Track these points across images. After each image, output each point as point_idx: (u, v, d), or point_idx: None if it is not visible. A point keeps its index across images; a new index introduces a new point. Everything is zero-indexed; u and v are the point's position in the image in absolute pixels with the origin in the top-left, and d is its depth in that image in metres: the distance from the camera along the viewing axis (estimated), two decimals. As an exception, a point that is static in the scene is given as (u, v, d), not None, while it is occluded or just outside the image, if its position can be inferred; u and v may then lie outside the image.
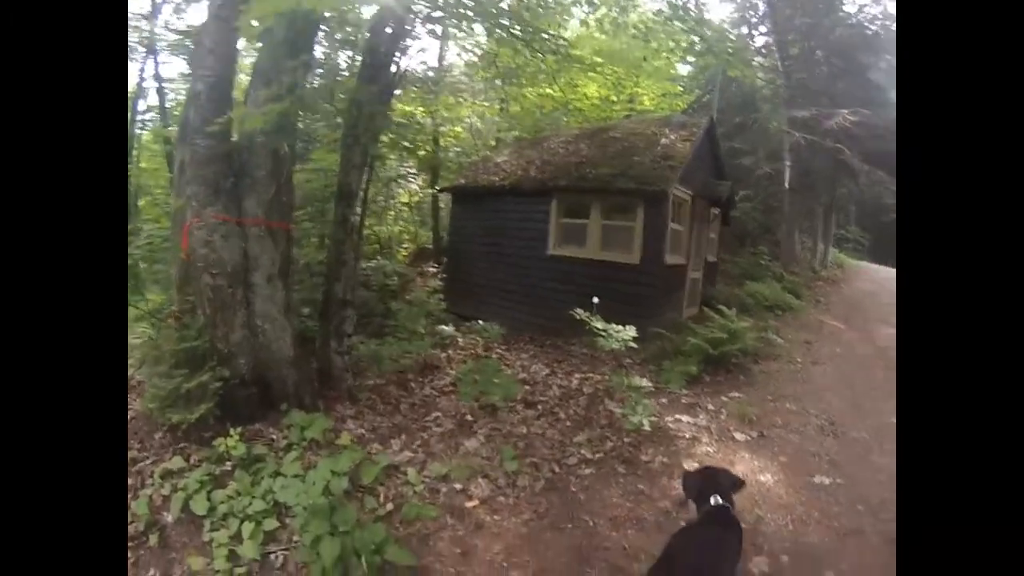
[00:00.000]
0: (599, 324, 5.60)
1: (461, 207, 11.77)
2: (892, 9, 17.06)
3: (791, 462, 4.96)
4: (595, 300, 5.88)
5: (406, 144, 16.73)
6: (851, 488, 4.53)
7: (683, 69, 21.59)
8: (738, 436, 5.42)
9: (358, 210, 5.79)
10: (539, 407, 5.85)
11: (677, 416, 5.79)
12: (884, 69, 17.14)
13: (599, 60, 10.39)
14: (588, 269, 8.84)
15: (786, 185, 16.61)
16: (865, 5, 17.98)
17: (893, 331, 10.96)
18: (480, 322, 8.86)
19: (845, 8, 17.83)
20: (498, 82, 14.40)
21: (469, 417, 5.47)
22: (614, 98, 13.20)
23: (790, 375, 7.69)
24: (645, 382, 5.77)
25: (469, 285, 10.87)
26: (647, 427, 4.90)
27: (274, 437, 4.51)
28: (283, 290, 4.86)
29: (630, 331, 5.55)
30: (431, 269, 14.02)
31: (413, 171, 18.43)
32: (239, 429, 4.28)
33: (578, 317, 5.70)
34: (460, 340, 8.41)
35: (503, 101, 16.55)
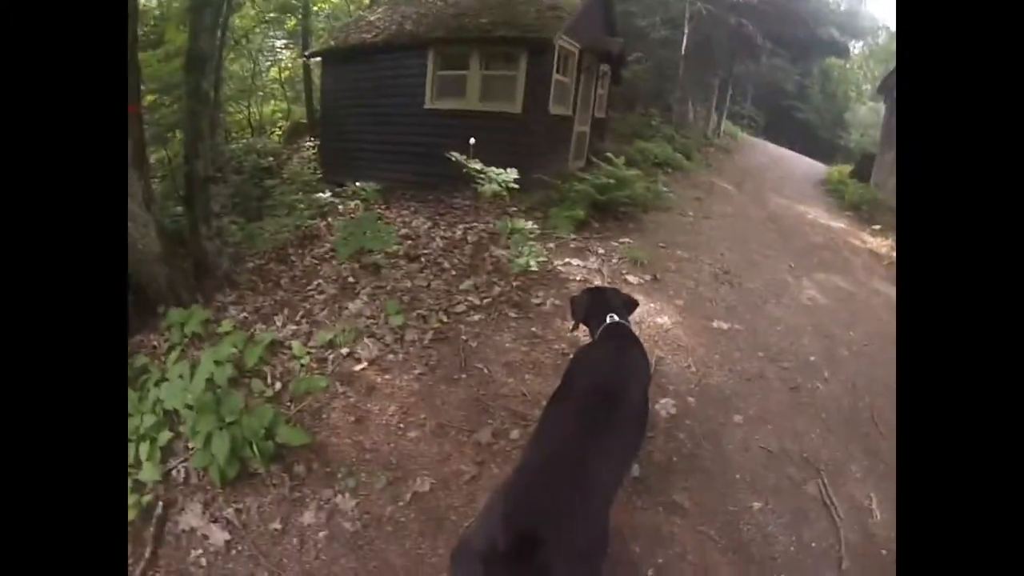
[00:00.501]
0: (477, 166, 5.27)
1: (333, 72, 10.74)
2: None
3: (688, 306, 4.91)
4: (471, 141, 5.51)
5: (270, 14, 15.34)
6: (750, 336, 4.53)
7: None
8: (631, 279, 5.33)
9: (211, 78, 5.00)
10: (422, 260, 5.54)
11: (567, 260, 5.64)
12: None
13: None
14: (468, 121, 8.33)
15: (682, 52, 16.33)
16: None
17: (785, 201, 11.38)
18: (357, 184, 8.32)
19: None
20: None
21: (351, 279, 5.10)
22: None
23: (681, 226, 7.56)
24: (531, 224, 5.53)
25: (346, 151, 10.16)
26: (535, 268, 4.72)
27: (155, 344, 4.14)
28: (140, 180, 4.33)
29: (511, 173, 5.27)
30: (307, 144, 13.12)
31: (282, 43, 16.86)
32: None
33: (453, 160, 5.33)
34: (339, 206, 7.89)
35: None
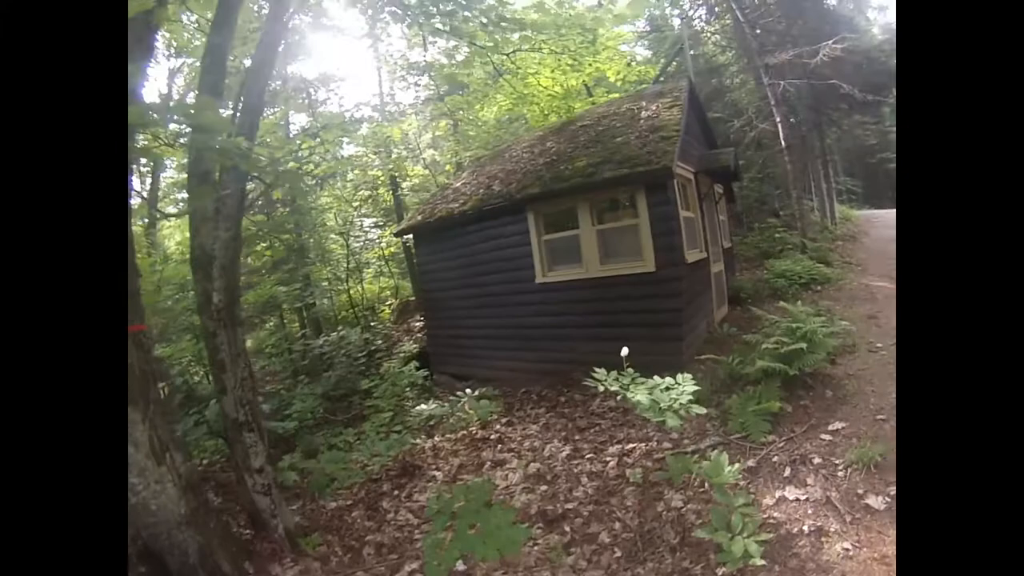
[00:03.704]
0: (640, 395, 3.65)
1: (425, 248, 9.75)
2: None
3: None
4: (624, 351, 3.97)
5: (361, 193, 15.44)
6: None
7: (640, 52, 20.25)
8: (872, 501, 3.35)
9: (221, 283, 3.80)
10: (566, 526, 3.81)
11: (779, 493, 3.74)
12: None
13: (539, 20, 8.40)
14: (590, 291, 6.88)
15: (783, 143, 14.73)
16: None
17: None
18: (467, 390, 6.86)
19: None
20: (443, 90, 12.75)
21: (461, 566, 3.43)
22: (573, 80, 11.25)
23: (881, 368, 5.65)
24: (728, 466, 3.62)
25: (453, 338, 8.85)
26: (758, 558, 2.85)
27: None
28: (144, 422, 3.01)
29: (686, 385, 3.61)
30: (418, 324, 12.18)
31: (370, 222, 16.84)
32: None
33: (602, 387, 3.78)
34: (448, 417, 6.41)
35: (452, 119, 14.85)
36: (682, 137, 7.01)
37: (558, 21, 8.59)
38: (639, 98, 9.12)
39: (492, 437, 5.76)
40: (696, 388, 3.97)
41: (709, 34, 19.76)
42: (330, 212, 15.70)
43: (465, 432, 5.97)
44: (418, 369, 8.00)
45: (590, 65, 10.17)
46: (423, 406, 6.74)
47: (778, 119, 14.74)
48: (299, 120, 14.69)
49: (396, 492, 4.84)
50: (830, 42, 13.25)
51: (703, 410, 3.84)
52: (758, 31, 15.60)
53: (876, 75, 15.24)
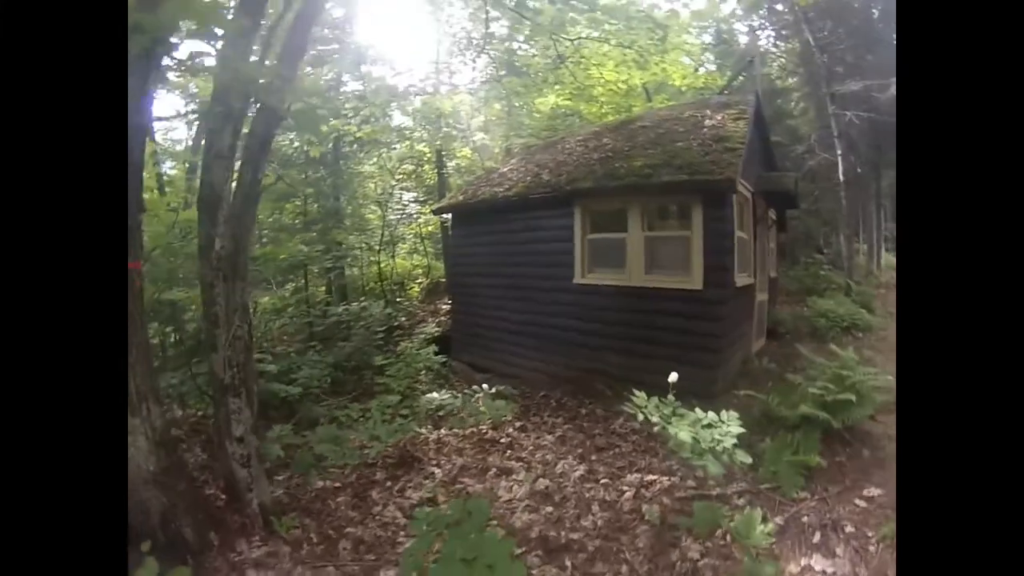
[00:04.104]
0: (683, 432, 3.27)
1: (462, 230, 9.39)
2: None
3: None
4: (672, 377, 3.58)
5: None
6: None
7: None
8: None
9: (226, 229, 3.45)
10: (568, 560, 3.37)
11: (805, 561, 3.28)
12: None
13: (609, 4, 7.95)
14: (629, 300, 6.46)
15: (840, 177, 14.06)
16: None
17: None
18: (484, 385, 6.49)
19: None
20: (501, 73, 12.35)
21: None
22: (637, 79, 10.75)
23: None
24: (760, 524, 3.21)
25: (479, 327, 8.47)
26: None
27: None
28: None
29: (731, 425, 3.21)
30: (445, 306, 11.89)
31: (411, 196, 16.60)
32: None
33: (641, 415, 3.40)
34: (459, 410, 6.04)
35: (507, 103, 14.45)
36: (746, 152, 6.55)
37: (629, 11, 8.14)
38: (704, 106, 8.65)
39: (502, 440, 5.40)
40: (741, 431, 3.56)
41: (776, 55, 19.11)
42: (372, 181, 15.44)
43: (474, 430, 5.61)
44: (437, 354, 7.65)
45: (657, 64, 9.66)
46: (435, 394, 6.40)
47: (839, 151, 14.10)
48: (353, 87, 14.49)
49: (389, 484, 4.47)
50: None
51: (749, 459, 3.42)
52: (826, 57, 14.93)
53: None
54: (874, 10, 15.85)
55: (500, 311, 7.98)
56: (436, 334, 9.71)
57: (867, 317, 10.62)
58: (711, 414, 3.64)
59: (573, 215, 7.06)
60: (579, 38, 9.14)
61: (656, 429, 3.68)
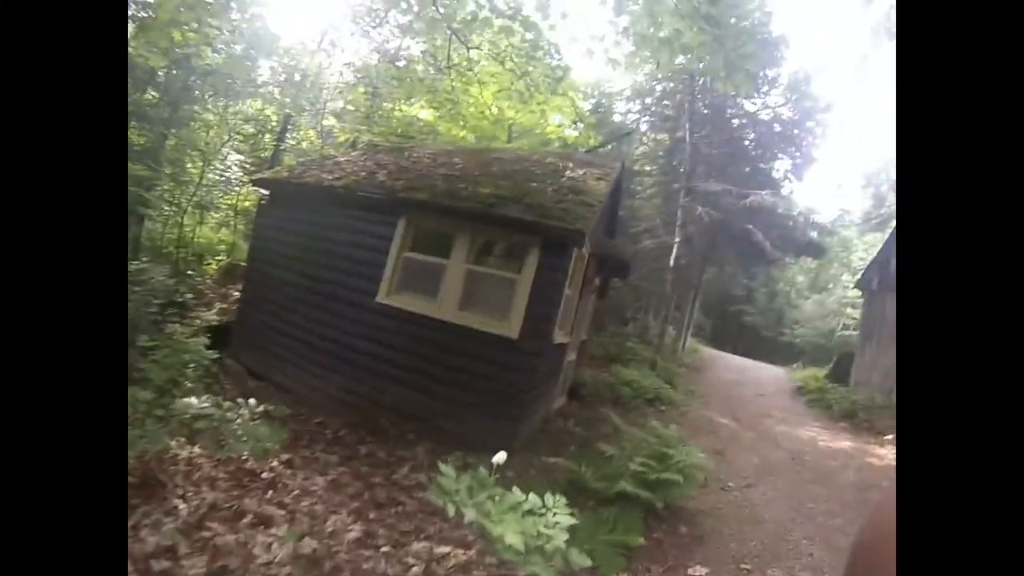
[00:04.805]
0: (510, 532, 2.58)
1: (276, 212, 7.88)
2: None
3: None
4: (499, 458, 2.92)
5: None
6: None
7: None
8: None
9: None
10: None
11: None
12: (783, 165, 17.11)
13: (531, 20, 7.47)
14: (437, 335, 5.74)
15: (671, 262, 14.92)
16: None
17: (784, 427, 10.22)
18: (251, 401, 5.30)
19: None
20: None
21: None
22: (512, 113, 10.40)
23: (735, 509, 5.56)
24: None
25: (269, 328, 7.10)
26: None
27: None
28: None
29: (559, 513, 2.63)
30: (237, 293, 10.20)
31: (237, 158, 14.68)
32: None
33: (451, 509, 2.68)
34: (218, 426, 4.78)
35: (371, 95, 13.38)
36: (599, 212, 6.30)
37: (539, 42, 7.75)
38: (567, 158, 8.53)
39: (263, 475, 4.32)
40: (573, 522, 2.93)
41: (645, 142, 20.26)
42: (208, 130, 13.40)
43: (232, 456, 4.43)
44: (210, 347, 6.22)
45: (538, 105, 9.35)
46: (194, 399, 5.05)
47: (677, 239, 15.00)
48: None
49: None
50: (765, 192, 13.79)
51: (588, 561, 2.79)
52: (688, 155, 16.05)
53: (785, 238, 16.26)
54: (751, 134, 17.43)
55: (293, 314, 6.78)
56: (216, 322, 8.17)
57: (670, 392, 11.16)
58: (532, 497, 2.97)
59: (397, 225, 6.24)
60: (478, 47, 8.57)
61: (469, 523, 2.92)
